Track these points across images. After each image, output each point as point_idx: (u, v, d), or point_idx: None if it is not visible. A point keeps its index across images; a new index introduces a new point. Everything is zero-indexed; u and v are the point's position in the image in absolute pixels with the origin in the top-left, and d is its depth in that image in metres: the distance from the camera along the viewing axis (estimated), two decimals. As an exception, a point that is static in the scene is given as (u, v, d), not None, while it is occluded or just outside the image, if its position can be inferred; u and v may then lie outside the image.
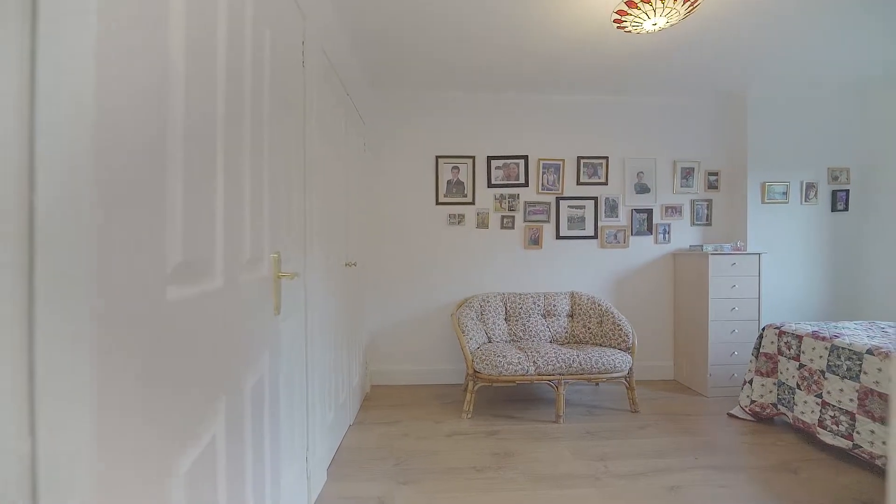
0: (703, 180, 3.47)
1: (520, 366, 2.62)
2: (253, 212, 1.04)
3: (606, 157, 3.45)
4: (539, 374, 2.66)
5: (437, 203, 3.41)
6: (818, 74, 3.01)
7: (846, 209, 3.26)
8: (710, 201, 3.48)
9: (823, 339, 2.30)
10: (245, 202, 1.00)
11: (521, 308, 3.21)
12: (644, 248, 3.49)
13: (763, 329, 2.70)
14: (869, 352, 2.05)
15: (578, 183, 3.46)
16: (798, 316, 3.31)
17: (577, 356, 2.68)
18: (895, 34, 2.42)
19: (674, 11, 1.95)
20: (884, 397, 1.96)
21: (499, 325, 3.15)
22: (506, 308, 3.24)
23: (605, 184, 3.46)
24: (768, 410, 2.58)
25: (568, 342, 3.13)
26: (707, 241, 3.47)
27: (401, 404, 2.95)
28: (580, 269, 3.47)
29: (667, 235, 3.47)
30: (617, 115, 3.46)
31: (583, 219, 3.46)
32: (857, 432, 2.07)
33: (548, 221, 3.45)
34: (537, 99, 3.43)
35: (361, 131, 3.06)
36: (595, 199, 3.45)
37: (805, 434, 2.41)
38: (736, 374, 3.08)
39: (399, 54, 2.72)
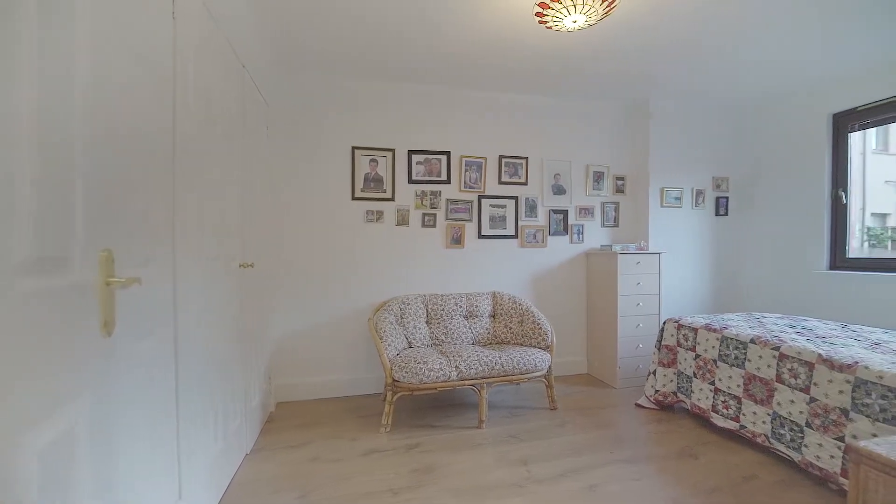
0: (611, 184, 3.68)
1: (442, 372, 2.48)
2: (44, 191, 0.72)
3: (526, 158, 3.48)
4: (462, 380, 2.54)
5: (354, 198, 3.13)
6: (707, 92, 3.35)
7: (727, 214, 3.69)
8: (617, 204, 3.70)
9: (715, 330, 2.52)
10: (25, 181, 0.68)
11: (444, 310, 3.08)
12: (560, 248, 3.59)
13: (664, 323, 2.90)
14: (752, 341, 2.28)
15: (500, 182, 3.44)
16: (691, 309, 3.67)
17: (500, 358, 2.62)
18: (767, 67, 2.76)
19: (593, 10, 1.96)
20: (764, 382, 2.18)
21: (420, 328, 2.98)
22: (427, 310, 3.08)
23: (525, 184, 3.49)
24: (670, 398, 2.77)
25: (490, 343, 3.07)
26: (615, 242, 3.68)
27: (312, 422, 2.63)
28: (502, 269, 3.46)
29: (581, 236, 3.61)
30: (537, 115, 3.51)
31: (504, 218, 3.45)
32: (743, 414, 2.28)
33: (470, 220, 3.37)
34: (461, 94, 3.34)
35: (264, 114, 2.68)
36: (515, 198, 3.46)
37: (701, 419, 2.62)
38: (641, 366, 3.29)
39: (305, 31, 2.41)
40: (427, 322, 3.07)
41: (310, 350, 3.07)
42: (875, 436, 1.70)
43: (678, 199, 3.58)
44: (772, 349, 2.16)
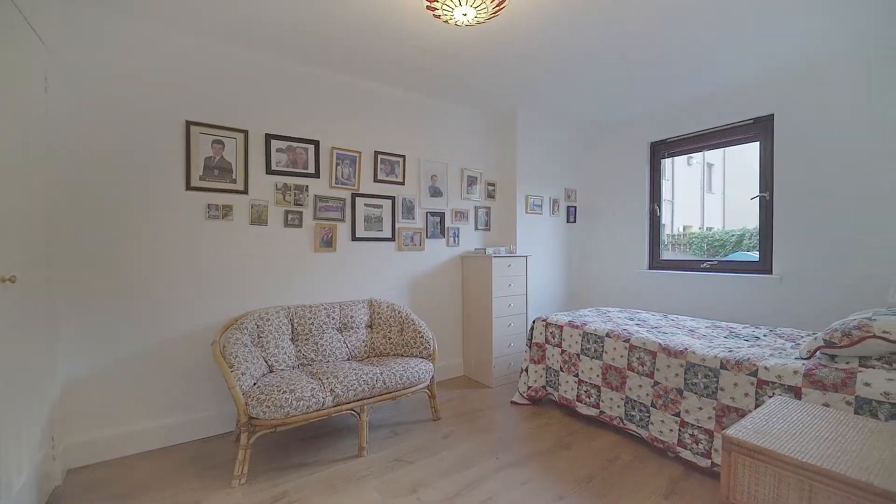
0: (483, 189, 3.79)
1: (314, 399, 2.09)
2: None
3: (403, 157, 3.29)
4: (339, 405, 2.20)
5: (190, 188, 2.45)
6: (562, 113, 3.74)
7: (575, 221, 4.19)
8: (489, 209, 3.83)
9: (577, 327, 2.76)
10: None
11: (313, 323, 2.66)
12: (437, 251, 3.52)
13: (533, 322, 3.08)
14: (608, 335, 2.56)
15: (376, 180, 3.17)
16: (550, 306, 4.04)
17: (381, 374, 2.36)
18: (603, 98, 3.20)
19: (482, 6, 1.88)
20: (618, 371, 2.46)
21: (283, 347, 2.50)
22: (293, 325, 2.61)
23: (402, 184, 3.30)
24: (540, 393, 2.95)
25: (369, 357, 2.78)
26: (487, 245, 3.81)
27: (129, 490, 1.91)
28: (378, 275, 3.19)
29: (456, 239, 3.62)
30: (416, 114, 3.36)
31: (380, 219, 3.20)
32: (602, 401, 2.54)
33: (343, 220, 3.01)
34: (335, 79, 2.95)
35: (38, 57, 1.83)
36: (392, 198, 3.25)
37: (567, 409, 2.85)
38: (512, 363, 3.46)
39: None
40: (293, 339, 2.60)
41: (124, 390, 2.26)
42: (701, 409, 2.05)
43: (539, 206, 3.90)
44: (623, 341, 2.45)
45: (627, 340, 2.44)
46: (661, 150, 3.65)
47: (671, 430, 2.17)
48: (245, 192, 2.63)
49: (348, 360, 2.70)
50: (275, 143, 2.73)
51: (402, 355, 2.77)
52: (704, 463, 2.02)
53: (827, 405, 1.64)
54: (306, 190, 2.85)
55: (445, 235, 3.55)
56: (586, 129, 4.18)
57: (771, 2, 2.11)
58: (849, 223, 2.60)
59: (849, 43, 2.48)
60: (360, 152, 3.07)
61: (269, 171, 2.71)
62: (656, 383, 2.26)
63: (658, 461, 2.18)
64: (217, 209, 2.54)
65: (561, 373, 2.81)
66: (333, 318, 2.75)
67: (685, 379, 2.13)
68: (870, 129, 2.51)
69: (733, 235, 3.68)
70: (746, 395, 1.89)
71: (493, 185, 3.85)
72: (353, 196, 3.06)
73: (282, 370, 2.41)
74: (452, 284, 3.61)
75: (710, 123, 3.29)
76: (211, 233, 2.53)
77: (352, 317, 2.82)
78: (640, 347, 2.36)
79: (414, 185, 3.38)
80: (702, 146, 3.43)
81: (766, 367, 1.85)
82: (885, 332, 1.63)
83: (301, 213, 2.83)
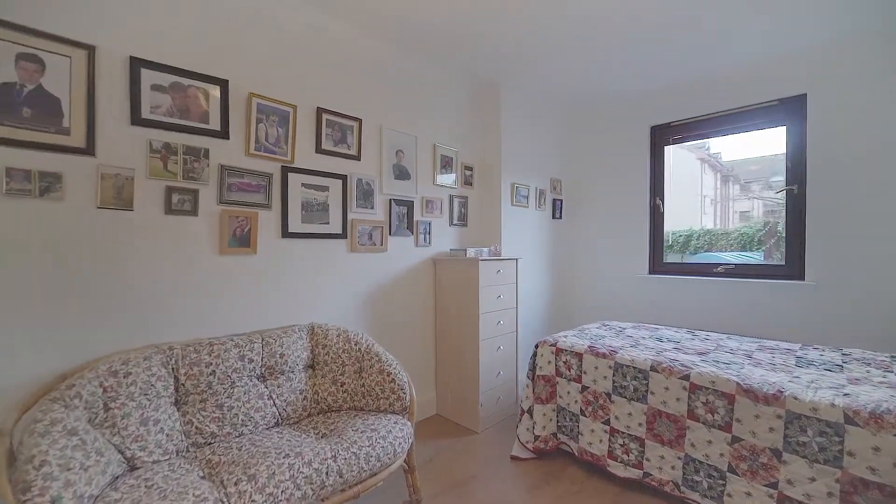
0: (460, 174, 2.97)
1: (211, 537, 1.10)
2: None
3: (360, 121, 2.35)
4: (260, 533, 1.22)
5: (-42, 133, 1.29)
6: (548, 88, 3.06)
7: (561, 217, 3.55)
8: (465, 199, 3.02)
9: (603, 355, 2.06)
10: None
11: (215, 371, 1.62)
12: (404, 252, 2.62)
13: (536, 347, 2.33)
14: (653, 369, 1.88)
15: (320, 150, 2.19)
16: (538, 320, 3.34)
17: (333, 458, 1.43)
18: (597, 71, 2.58)
19: None
20: (673, 419, 1.79)
21: (160, 420, 1.44)
22: (177, 378, 1.56)
23: (358, 158, 2.36)
24: (551, 443, 2.20)
25: (310, 416, 1.81)
26: (465, 245, 3.00)
27: None
28: (324, 287, 2.22)
29: (428, 236, 2.75)
30: (378, 66, 2.43)
31: (326, 206, 2.22)
32: (648, 459, 1.86)
33: (268, 206, 2.00)
34: (248, -14, 1.92)
35: None
36: (344, 178, 2.29)
37: (591, 466, 2.11)
38: (502, 397, 2.68)
39: None
40: (177, 402, 1.55)
41: None
42: (814, 480, 1.44)
43: (525, 197, 3.18)
44: (679, 378, 1.79)
45: (686, 377, 1.78)
46: (665, 135, 3.14)
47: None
48: (88, 151, 1.52)
49: (276, 426, 1.70)
50: (146, 74, 1.64)
51: (362, 409, 1.85)
52: (818, 559, 1.41)
53: None
54: (205, 156, 1.79)
55: (414, 231, 2.67)
56: (576, 108, 3.55)
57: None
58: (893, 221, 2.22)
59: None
60: (294, 106, 2.07)
61: (137, 119, 1.62)
62: (737, 440, 1.62)
63: (751, 556, 1.53)
64: (27, 178, 1.40)
65: (582, 418, 2.09)
66: (251, 360, 1.74)
67: (785, 436, 1.51)
68: (926, 111, 2.14)
69: (681, 236, 3.27)
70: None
71: (471, 169, 3.04)
72: (286, 170, 2.05)
73: (153, 464, 1.35)
74: (423, 297, 2.74)
75: (724, 105, 2.82)
76: (15, 220, 1.39)
77: (282, 354, 1.82)
78: (706, 388, 1.71)
79: (373, 161, 2.45)
80: (712, 131, 2.96)
81: (926, 425, 1.27)
82: None
83: (196, 191, 1.77)
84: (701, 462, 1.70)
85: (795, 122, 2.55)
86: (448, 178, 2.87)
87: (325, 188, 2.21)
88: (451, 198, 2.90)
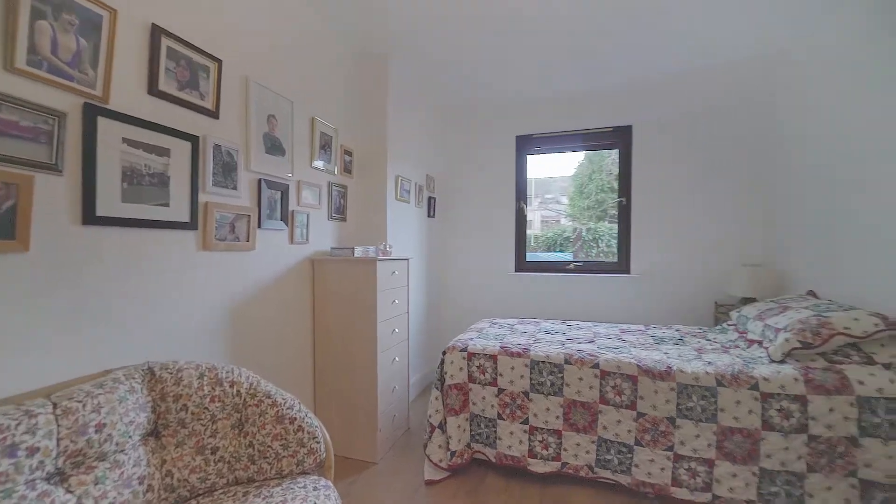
0: (339, 157, 2.49)
1: None
2: None
3: (219, 62, 1.65)
4: None
5: None
6: (434, 80, 2.92)
7: (434, 216, 3.44)
8: (345, 188, 2.56)
9: (517, 354, 2.03)
10: None
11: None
12: (277, 251, 2.00)
13: (444, 354, 2.14)
14: (567, 361, 1.95)
15: (155, 90, 1.41)
16: (418, 323, 3.12)
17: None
18: (485, 71, 2.66)
19: None
20: (587, 406, 1.89)
21: None
22: None
23: (215, 115, 1.65)
24: (466, 456, 2.03)
25: (162, 518, 1.11)
26: (345, 242, 2.53)
27: None
28: (163, 305, 1.44)
29: (305, 231, 2.18)
30: (238, -13, 1.75)
31: (166, 180, 1.45)
32: (565, 449, 1.91)
33: (55, 169, 1.15)
34: None
35: None
36: (194, 140, 1.55)
37: (511, 470, 2.03)
38: (397, 416, 2.35)
39: None
40: None
41: None
42: (698, 436, 1.73)
43: (408, 192, 2.93)
44: (591, 367, 1.91)
45: (597, 366, 1.90)
46: (528, 145, 3.43)
47: (662, 469, 1.77)
48: None
49: (102, 555, 0.96)
50: None
51: (252, 482, 1.26)
52: (704, 498, 1.71)
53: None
54: None
55: (290, 224, 2.07)
56: (454, 106, 3.51)
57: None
58: (692, 225, 2.98)
59: (698, 60, 2.84)
60: (113, 10, 1.27)
61: None
62: (641, 415, 1.81)
63: (660, 517, 1.73)
64: None
65: (500, 421, 2.00)
66: (33, 450, 0.93)
67: (678, 405, 1.77)
68: (708, 143, 2.94)
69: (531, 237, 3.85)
70: (751, 412, 1.67)
71: (351, 154, 2.60)
72: (92, 111, 1.23)
73: None
74: (300, 307, 2.15)
75: (574, 126, 3.28)
76: None
77: (98, 426, 1.05)
78: (614, 373, 1.87)
79: (237, 123, 1.76)
80: (567, 146, 3.40)
81: (765, 379, 1.69)
82: (846, 328, 1.72)
83: None
84: (612, 441, 1.85)
85: (625, 147, 3.17)
86: (328, 162, 2.36)
87: (164, 151, 1.44)
88: (330, 186, 2.39)
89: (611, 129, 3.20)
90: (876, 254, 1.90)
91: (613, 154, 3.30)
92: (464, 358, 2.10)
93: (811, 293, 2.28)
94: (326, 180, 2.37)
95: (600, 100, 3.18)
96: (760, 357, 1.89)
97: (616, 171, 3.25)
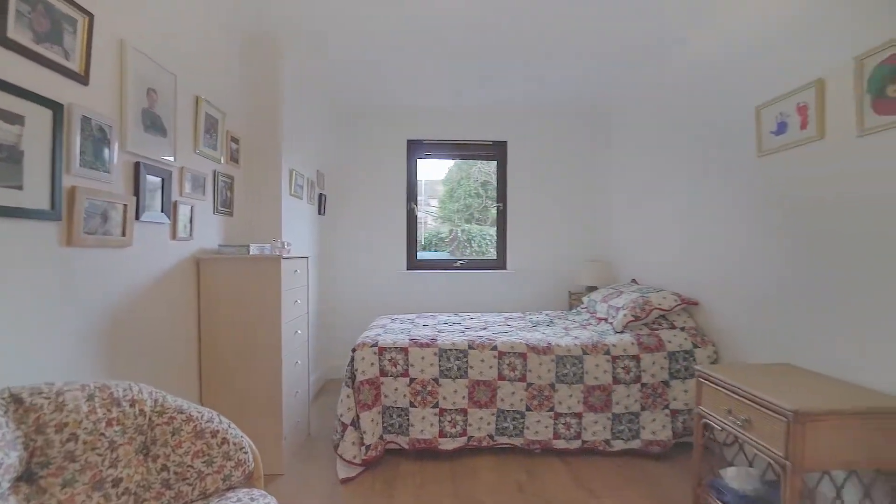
0: (225, 144, 2.23)
1: None
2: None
3: (90, 16, 1.34)
4: None
5: None
6: (325, 71, 2.84)
7: (324, 214, 3.32)
8: (231, 179, 2.30)
9: (426, 345, 2.18)
10: None
11: None
12: (157, 247, 1.71)
13: (354, 351, 2.15)
14: (471, 347, 2.19)
15: (3, 39, 1.09)
16: (314, 324, 2.95)
17: None
18: (375, 73, 2.76)
19: None
20: (488, 384, 2.16)
21: None
22: None
23: (84, 80, 1.34)
24: (379, 448, 2.08)
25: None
26: (232, 240, 2.27)
27: None
28: (21, 315, 1.12)
29: (189, 226, 1.90)
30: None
31: (19, 156, 1.13)
32: (470, 424, 2.13)
33: None
34: None
35: None
36: (58, 108, 1.24)
37: (423, 452, 2.15)
38: (300, 421, 2.24)
39: None
40: None
41: None
42: (571, 396, 2.17)
43: (302, 187, 2.78)
44: (490, 350, 2.18)
45: (495, 348, 2.19)
46: (418, 149, 3.60)
47: (546, 427, 2.15)
48: None
49: None
50: None
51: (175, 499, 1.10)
52: (576, 445, 2.15)
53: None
54: None
55: (173, 217, 1.78)
56: (346, 102, 3.42)
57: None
58: (551, 227, 3.61)
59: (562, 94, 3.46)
60: (-57, -77, 0.94)
61: None
62: (530, 385, 2.17)
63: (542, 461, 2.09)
64: None
65: (412, 409, 2.12)
66: None
67: (557, 373, 2.18)
68: (562, 157, 3.60)
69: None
70: (605, 371, 2.18)
71: (238, 142, 2.35)
72: None
73: None
74: (183, 314, 1.86)
75: (461, 136, 3.60)
76: None
77: (-47, 473, 0.80)
78: (508, 353, 2.19)
79: (111, 93, 1.46)
80: (454, 154, 3.69)
81: (613, 345, 2.22)
82: (658, 304, 2.39)
83: None
84: (508, 411, 2.16)
85: (502, 158, 3.63)
86: (213, 147, 2.10)
87: (15, 118, 1.12)
88: (216, 175, 2.13)
89: (490, 143, 3.63)
90: (664, 248, 2.69)
91: (480, 163, 3.76)
92: (375, 353, 2.14)
93: (634, 281, 3.05)
94: (212, 168, 2.10)
95: (483, 115, 3.58)
96: (608, 330, 2.47)
97: (482, 178, 3.73)
